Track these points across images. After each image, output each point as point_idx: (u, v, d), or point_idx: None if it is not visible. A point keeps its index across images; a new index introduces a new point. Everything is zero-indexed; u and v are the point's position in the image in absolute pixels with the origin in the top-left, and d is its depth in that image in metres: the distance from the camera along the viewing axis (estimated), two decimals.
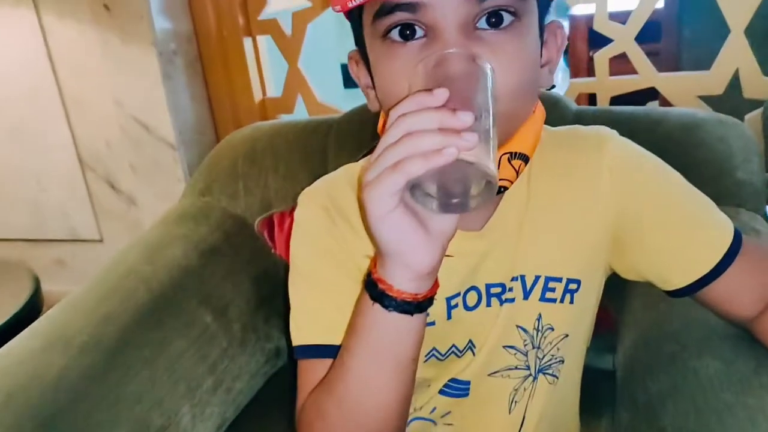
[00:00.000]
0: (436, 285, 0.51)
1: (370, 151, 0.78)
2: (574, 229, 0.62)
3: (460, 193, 0.45)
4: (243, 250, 1.03)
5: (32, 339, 0.79)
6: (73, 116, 1.39)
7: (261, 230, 1.04)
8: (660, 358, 0.67)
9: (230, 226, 1.05)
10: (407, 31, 0.51)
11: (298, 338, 0.61)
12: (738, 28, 1.05)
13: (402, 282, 0.48)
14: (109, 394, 0.76)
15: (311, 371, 0.60)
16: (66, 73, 1.35)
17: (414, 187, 0.44)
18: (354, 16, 0.56)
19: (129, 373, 0.79)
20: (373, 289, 0.50)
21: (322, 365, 0.58)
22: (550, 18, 0.58)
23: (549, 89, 0.61)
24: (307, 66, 1.35)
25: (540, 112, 0.60)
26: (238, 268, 1.00)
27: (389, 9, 0.50)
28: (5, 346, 0.79)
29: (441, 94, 0.43)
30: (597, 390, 0.83)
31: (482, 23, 0.51)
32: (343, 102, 1.28)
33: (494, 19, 0.51)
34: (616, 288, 0.70)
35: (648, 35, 1.14)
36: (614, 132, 0.64)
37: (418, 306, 0.49)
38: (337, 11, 0.49)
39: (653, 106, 1.33)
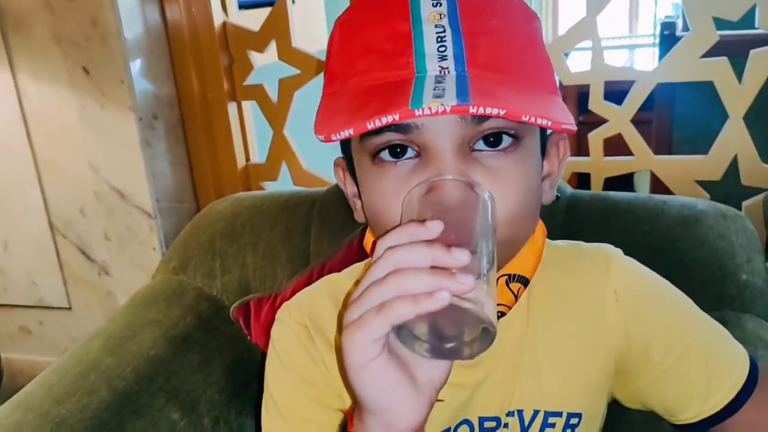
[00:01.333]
0: None
1: (354, 239, 0.73)
2: (576, 359, 0.57)
3: (454, 337, 0.40)
4: (217, 335, 0.96)
5: None
6: (45, 180, 1.33)
7: (237, 317, 0.97)
8: None
9: (204, 309, 0.98)
10: (398, 150, 0.47)
11: None
12: (737, 114, 1.03)
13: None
14: None
15: None
16: (40, 135, 1.30)
17: (401, 327, 0.39)
18: None
19: None
20: None
21: None
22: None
23: (550, 203, 0.57)
24: (293, 132, 1.31)
25: (540, 231, 0.56)
26: (210, 356, 0.93)
27: (379, 129, 0.44)
28: None
29: (435, 227, 0.39)
30: None
31: (480, 144, 0.46)
32: (329, 170, 1.23)
33: (493, 139, 0.46)
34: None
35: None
36: (618, 251, 0.60)
37: None
38: (321, 140, 0.44)
39: (643, 177, 1.30)
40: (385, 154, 0.47)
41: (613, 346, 0.56)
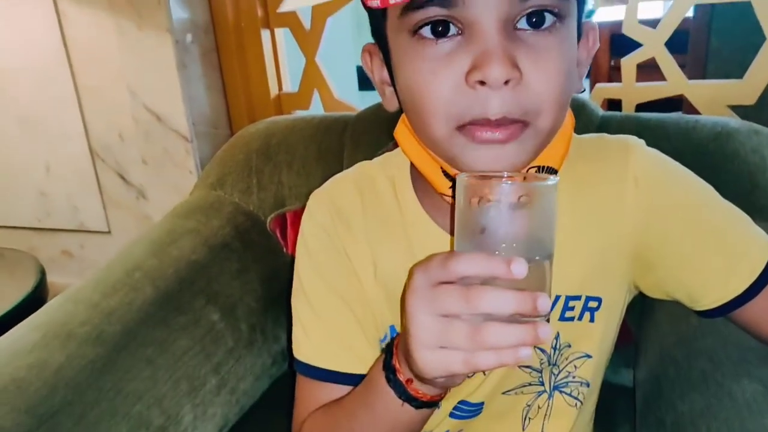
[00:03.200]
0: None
1: (388, 149, 0.75)
2: (596, 245, 0.58)
3: None
4: (254, 247, 1.00)
5: (33, 331, 0.76)
6: (86, 105, 1.36)
7: (273, 228, 1.01)
8: (690, 377, 0.63)
9: (242, 222, 1.02)
10: (440, 28, 0.46)
11: (297, 352, 0.62)
12: None
13: (422, 387, 0.47)
14: (109, 391, 0.74)
15: (308, 390, 0.61)
16: (80, 60, 1.33)
17: None
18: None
19: (131, 371, 0.76)
20: (391, 373, 0.48)
21: (318, 387, 0.60)
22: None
23: (579, 93, 0.58)
24: (325, 62, 1.32)
25: (570, 120, 0.56)
26: (248, 266, 0.97)
27: (422, 2, 0.46)
28: (4, 337, 0.77)
29: (520, 270, 0.38)
30: (613, 407, 0.80)
31: (522, 23, 0.46)
32: (359, 103, 1.25)
33: (535, 19, 0.46)
34: (634, 298, 0.67)
35: (675, 46, 1.10)
36: (641, 141, 0.60)
37: (429, 404, 0.49)
38: (377, 5, 0.45)
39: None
40: (426, 31, 0.47)
41: (633, 233, 0.57)
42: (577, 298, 0.59)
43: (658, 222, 0.57)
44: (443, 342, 0.40)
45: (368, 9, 0.52)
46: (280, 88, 1.37)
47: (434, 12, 0.46)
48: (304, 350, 0.61)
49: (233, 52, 1.31)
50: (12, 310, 1.19)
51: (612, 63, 2.08)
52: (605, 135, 0.62)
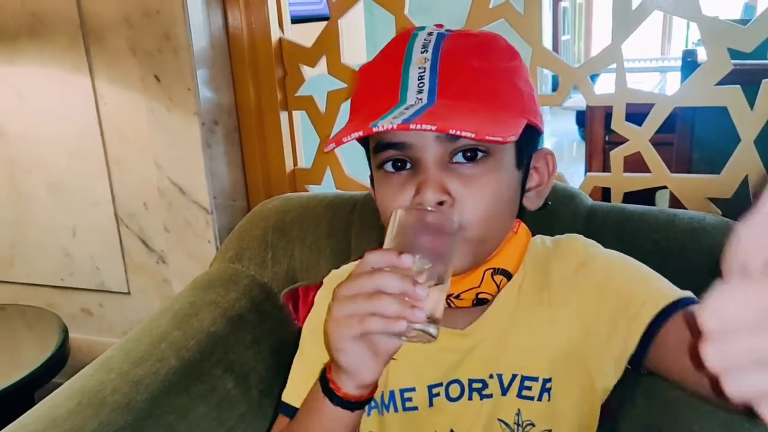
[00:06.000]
0: (374, 389, 0.60)
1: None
2: (550, 331, 0.68)
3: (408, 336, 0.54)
4: (267, 319, 1.08)
5: (69, 399, 0.84)
6: (114, 176, 1.47)
7: (286, 301, 1.09)
8: None
9: (257, 294, 1.11)
10: (399, 164, 0.61)
11: (283, 396, 0.74)
12: (748, 138, 1.12)
13: (348, 388, 0.58)
14: None
15: (279, 424, 0.73)
16: (113, 135, 1.44)
17: None
18: (364, 142, 0.67)
19: None
20: (326, 384, 0.59)
21: (286, 421, 0.71)
22: (541, 145, 0.68)
23: (540, 209, 0.69)
24: None
25: (524, 232, 0.69)
26: (261, 336, 1.05)
27: (383, 146, 0.61)
28: (42, 403, 0.84)
29: (408, 262, 0.52)
30: None
31: (458, 157, 0.60)
32: (367, 179, 1.35)
33: (468, 153, 0.60)
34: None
35: (663, 126, 1.21)
36: (586, 241, 0.73)
37: (358, 405, 0.59)
38: (333, 148, 0.58)
39: (664, 196, 1.38)
40: (388, 166, 0.62)
41: (580, 321, 0.67)
42: (534, 379, 0.68)
43: (592, 302, 0.67)
44: (349, 311, 0.52)
45: (361, 144, 0.68)
46: (296, 164, 1.48)
47: (392, 153, 0.61)
48: (287, 392, 0.74)
49: (254, 132, 1.42)
50: (39, 368, 1.26)
51: (607, 138, 2.20)
52: (559, 239, 0.74)
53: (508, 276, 0.66)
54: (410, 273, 0.52)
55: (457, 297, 0.64)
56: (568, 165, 4.15)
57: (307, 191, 1.48)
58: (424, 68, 0.59)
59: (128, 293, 1.56)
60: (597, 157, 2.16)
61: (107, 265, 1.56)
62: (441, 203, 0.58)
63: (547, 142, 5.05)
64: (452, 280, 0.56)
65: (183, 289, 1.12)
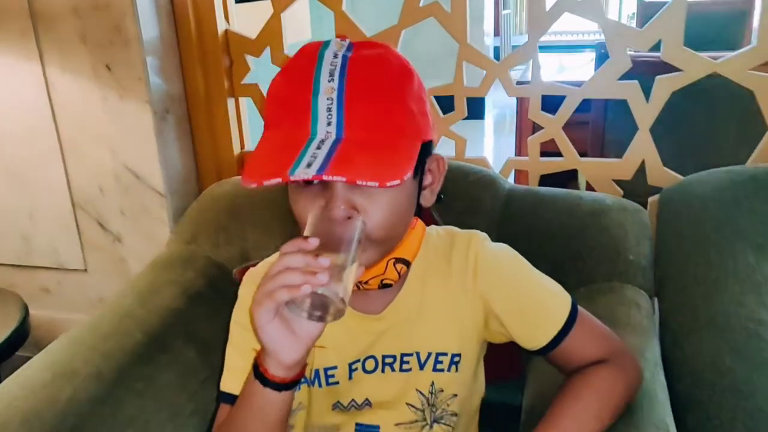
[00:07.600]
0: (302, 371, 0.68)
1: None
2: (455, 314, 0.81)
3: (320, 309, 0.63)
4: (223, 294, 1.19)
5: (43, 371, 0.93)
6: (69, 162, 1.52)
7: (238, 278, 1.20)
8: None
9: (213, 273, 1.21)
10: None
11: (221, 386, 0.81)
12: (644, 126, 1.28)
13: (275, 370, 0.66)
14: (108, 418, 0.92)
15: (222, 413, 0.80)
16: (65, 121, 1.49)
17: (290, 302, 0.62)
18: None
19: (125, 401, 0.94)
20: (257, 369, 0.68)
21: (227, 409, 0.78)
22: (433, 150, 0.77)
23: (435, 203, 0.79)
24: None
25: (420, 226, 0.80)
26: (218, 309, 1.16)
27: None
28: (16, 374, 0.93)
29: (313, 242, 0.61)
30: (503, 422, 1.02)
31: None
32: None
33: None
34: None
35: (581, 106, 1.35)
36: (482, 235, 0.83)
37: (285, 386, 0.67)
38: (255, 187, 0.62)
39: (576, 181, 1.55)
40: (300, 183, 0.67)
41: (476, 304, 0.80)
42: (445, 354, 0.81)
43: (489, 296, 0.80)
44: (264, 290, 0.60)
45: None
46: (243, 147, 1.57)
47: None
48: (223, 381, 0.81)
49: (203, 119, 1.51)
50: (1, 344, 1.34)
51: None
52: (455, 231, 0.84)
53: (407, 264, 0.77)
54: (314, 252, 0.59)
55: (366, 283, 0.75)
56: (509, 136, 4.33)
57: None
58: (332, 99, 0.63)
59: (85, 271, 1.64)
60: (521, 143, 2.30)
61: (65, 245, 1.62)
62: (349, 217, 0.65)
63: (489, 114, 5.23)
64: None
65: (142, 269, 1.21)
